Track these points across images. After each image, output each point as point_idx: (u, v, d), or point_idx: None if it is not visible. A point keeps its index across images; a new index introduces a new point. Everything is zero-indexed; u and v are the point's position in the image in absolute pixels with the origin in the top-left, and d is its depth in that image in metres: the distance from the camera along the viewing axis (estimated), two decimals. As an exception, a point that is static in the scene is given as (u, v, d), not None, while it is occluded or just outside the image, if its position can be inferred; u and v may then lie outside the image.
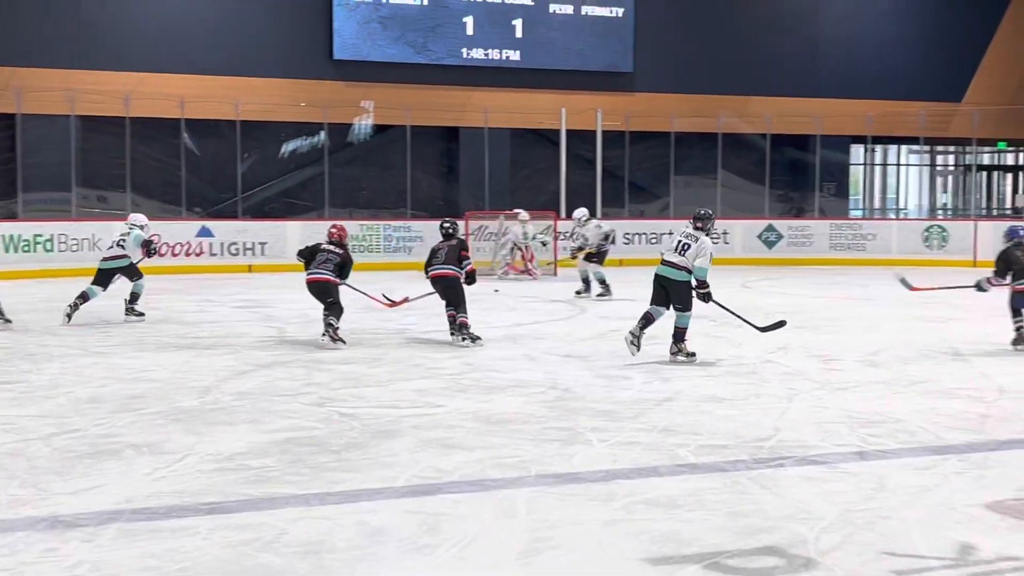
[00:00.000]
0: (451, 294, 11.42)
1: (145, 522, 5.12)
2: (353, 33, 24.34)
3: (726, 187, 26.69)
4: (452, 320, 11.42)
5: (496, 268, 20.08)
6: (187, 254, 21.39)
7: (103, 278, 13.23)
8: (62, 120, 22.28)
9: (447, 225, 12.22)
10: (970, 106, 27.97)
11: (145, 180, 23.29)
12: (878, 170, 30.78)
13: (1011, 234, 11.53)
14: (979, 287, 11.49)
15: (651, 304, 10.34)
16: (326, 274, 11.35)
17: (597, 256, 16.60)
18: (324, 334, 11.06)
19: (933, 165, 31.53)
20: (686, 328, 10.16)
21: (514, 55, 25.44)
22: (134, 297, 13.45)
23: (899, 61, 27.96)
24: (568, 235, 19.09)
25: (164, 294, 16.69)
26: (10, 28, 22.02)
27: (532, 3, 25.47)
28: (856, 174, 30.11)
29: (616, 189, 25.98)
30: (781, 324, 10.69)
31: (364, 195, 25.37)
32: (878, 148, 30.06)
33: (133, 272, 13.51)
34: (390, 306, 13.01)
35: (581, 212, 17.36)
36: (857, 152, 29.38)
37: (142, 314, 13.37)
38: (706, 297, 10.20)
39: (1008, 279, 11.13)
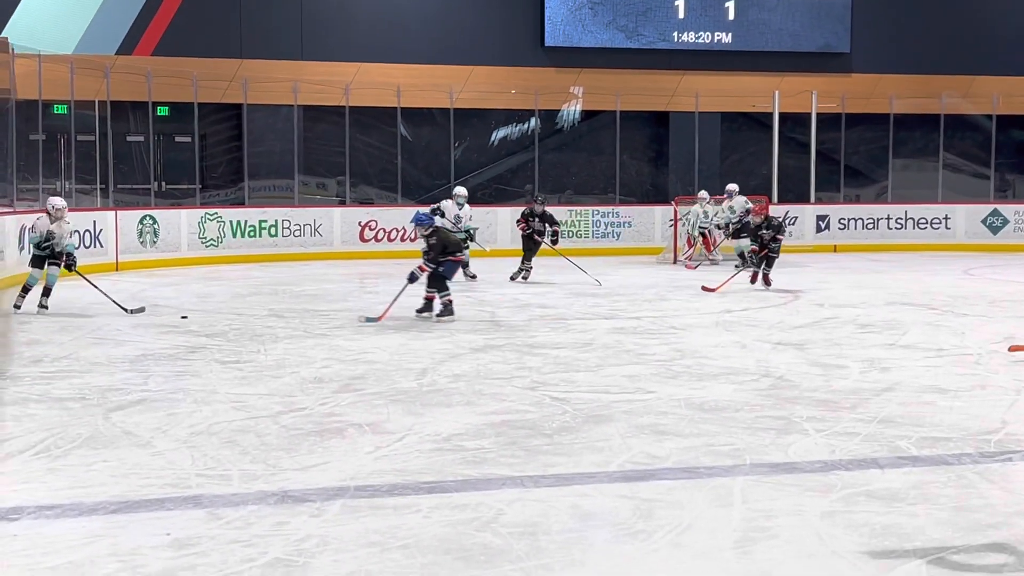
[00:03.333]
0: None
1: (368, 499, 5.29)
2: (564, 19, 24.45)
3: (948, 170, 25.68)
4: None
5: (678, 253, 19.88)
6: (402, 239, 21.91)
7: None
8: (286, 110, 23.14)
9: None
10: None
11: (363, 167, 24.01)
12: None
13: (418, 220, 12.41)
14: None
15: None
16: None
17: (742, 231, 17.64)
18: None
19: None
20: None
21: (726, 38, 25.08)
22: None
23: None
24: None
25: (381, 278, 17.17)
26: (238, 22, 22.97)
27: (745, -16, 25.07)
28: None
29: (831, 173, 25.32)
30: None
31: (573, 180, 25.49)
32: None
33: None
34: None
35: (732, 187, 19.71)
36: (1092, 132, 27.81)
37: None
38: None
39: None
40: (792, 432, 6.68)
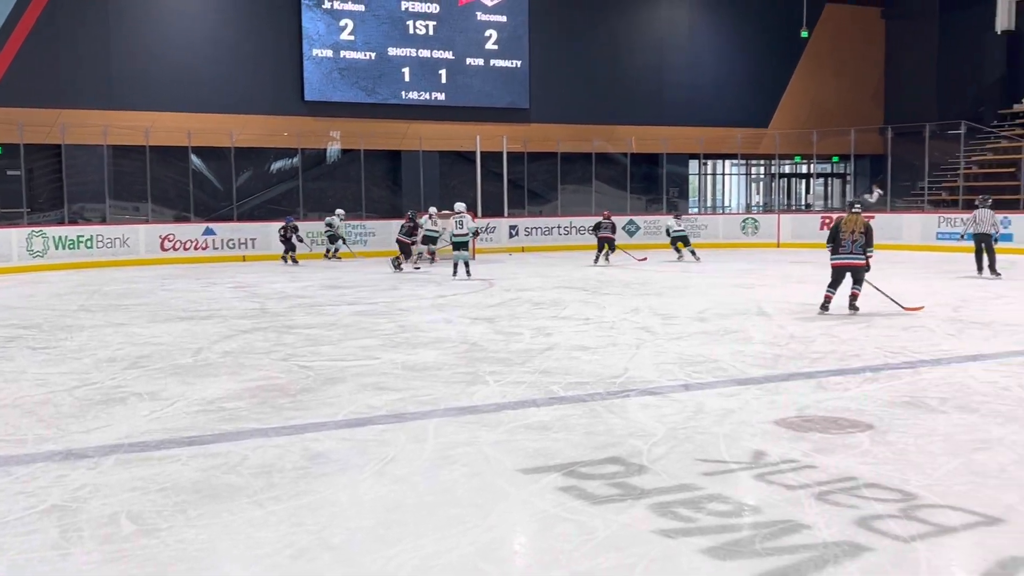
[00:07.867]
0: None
1: (139, 453, 4.88)
2: (319, 80, 23.79)
3: (599, 193, 26.62)
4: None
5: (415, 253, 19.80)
6: (195, 248, 20.81)
7: None
8: (98, 149, 21.50)
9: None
10: (774, 131, 28.23)
11: (163, 193, 22.58)
12: (709, 178, 30.93)
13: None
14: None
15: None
16: None
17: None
18: None
19: (748, 174, 31.76)
20: None
21: (440, 96, 25.06)
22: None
23: (722, 97, 28.10)
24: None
25: (177, 279, 16.22)
26: (55, 78, 21.15)
27: (453, 57, 25.08)
28: (693, 181, 30.19)
29: (519, 196, 25.79)
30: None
31: (330, 202, 24.84)
32: (708, 162, 30.18)
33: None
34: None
35: (432, 209, 19.09)
36: (693, 165, 29.46)
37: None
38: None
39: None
40: (477, 383, 6.65)
